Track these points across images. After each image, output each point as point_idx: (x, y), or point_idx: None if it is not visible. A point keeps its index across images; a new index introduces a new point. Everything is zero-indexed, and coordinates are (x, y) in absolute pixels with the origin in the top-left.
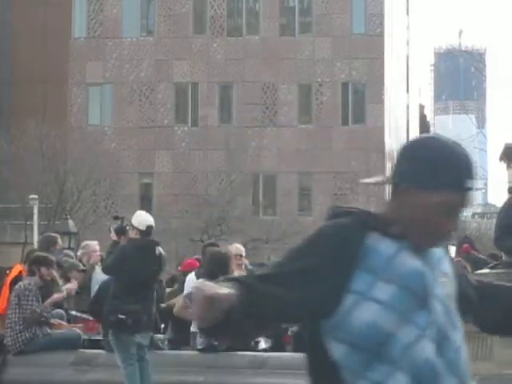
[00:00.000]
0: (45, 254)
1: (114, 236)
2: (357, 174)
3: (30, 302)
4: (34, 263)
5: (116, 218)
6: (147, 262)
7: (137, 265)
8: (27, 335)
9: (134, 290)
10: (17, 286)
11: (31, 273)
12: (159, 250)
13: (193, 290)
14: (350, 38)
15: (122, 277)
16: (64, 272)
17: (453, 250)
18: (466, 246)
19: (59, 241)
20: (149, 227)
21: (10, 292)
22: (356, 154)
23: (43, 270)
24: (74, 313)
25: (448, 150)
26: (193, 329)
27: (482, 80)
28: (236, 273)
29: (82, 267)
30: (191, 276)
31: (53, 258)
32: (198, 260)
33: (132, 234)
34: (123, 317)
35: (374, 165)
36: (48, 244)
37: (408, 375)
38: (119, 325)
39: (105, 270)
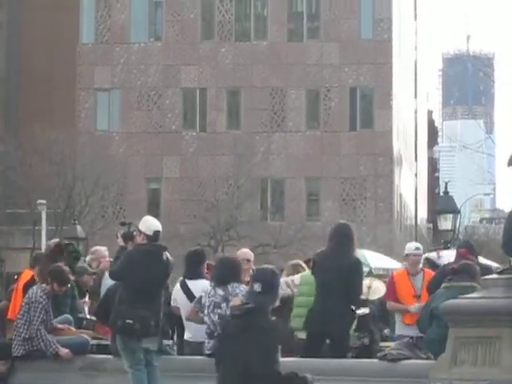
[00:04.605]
0: (61, 268)
1: (121, 241)
2: (365, 179)
3: (37, 314)
4: (50, 275)
5: (123, 223)
6: (154, 267)
7: (144, 270)
8: (34, 342)
9: (140, 295)
10: (29, 293)
11: (44, 280)
12: (166, 255)
13: None
14: (358, 43)
15: (129, 282)
16: (76, 277)
17: (453, 254)
18: (462, 250)
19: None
20: (156, 232)
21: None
22: (364, 159)
23: (56, 285)
24: (88, 317)
25: None
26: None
27: (490, 85)
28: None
29: (92, 270)
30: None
31: (70, 276)
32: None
33: (139, 240)
34: (131, 321)
35: (381, 170)
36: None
37: None
38: (126, 330)
39: (111, 275)
